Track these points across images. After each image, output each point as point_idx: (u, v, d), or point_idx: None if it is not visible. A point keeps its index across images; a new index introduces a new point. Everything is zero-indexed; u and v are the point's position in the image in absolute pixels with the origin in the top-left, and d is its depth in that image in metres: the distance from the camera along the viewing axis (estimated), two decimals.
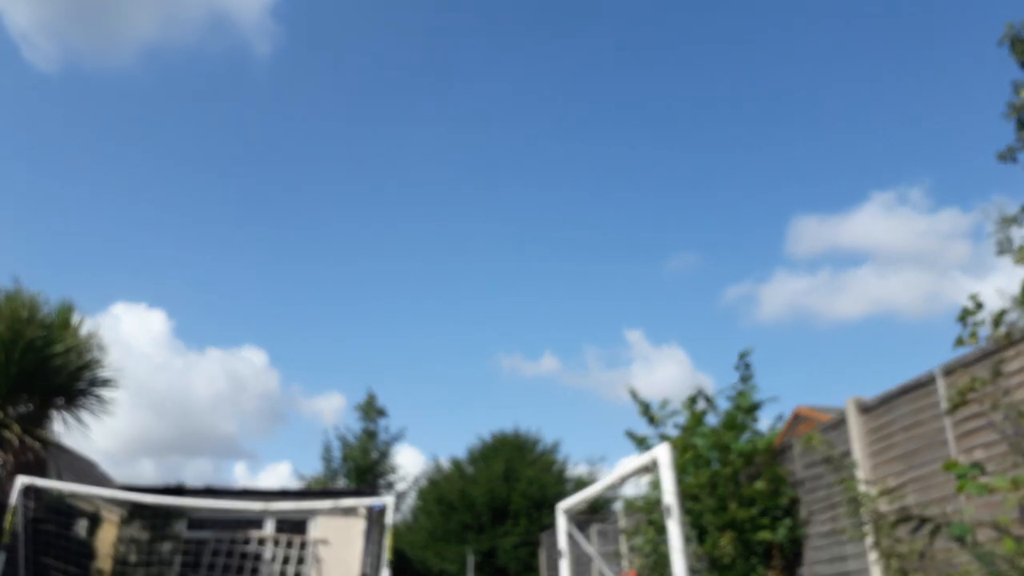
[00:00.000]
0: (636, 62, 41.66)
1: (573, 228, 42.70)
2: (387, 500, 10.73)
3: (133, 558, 14.49)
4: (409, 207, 42.95)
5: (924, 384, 8.40)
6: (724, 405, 11.74)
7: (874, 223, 41.36)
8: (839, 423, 9.76)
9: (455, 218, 42.18)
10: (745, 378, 11.68)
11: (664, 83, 41.12)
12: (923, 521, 8.36)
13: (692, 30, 40.39)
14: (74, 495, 12.76)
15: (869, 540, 8.35)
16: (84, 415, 11.95)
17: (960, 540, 6.89)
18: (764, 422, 11.65)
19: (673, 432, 11.63)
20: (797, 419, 15.72)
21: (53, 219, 40.74)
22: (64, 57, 38.78)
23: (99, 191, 41.02)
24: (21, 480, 10.16)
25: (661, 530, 9.13)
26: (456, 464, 27.84)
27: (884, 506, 8.75)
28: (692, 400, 11.82)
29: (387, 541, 10.09)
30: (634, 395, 12.11)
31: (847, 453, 9.45)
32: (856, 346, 42.74)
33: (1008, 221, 6.55)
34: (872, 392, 9.21)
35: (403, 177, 42.35)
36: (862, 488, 8.81)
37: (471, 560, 23.15)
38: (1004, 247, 6.84)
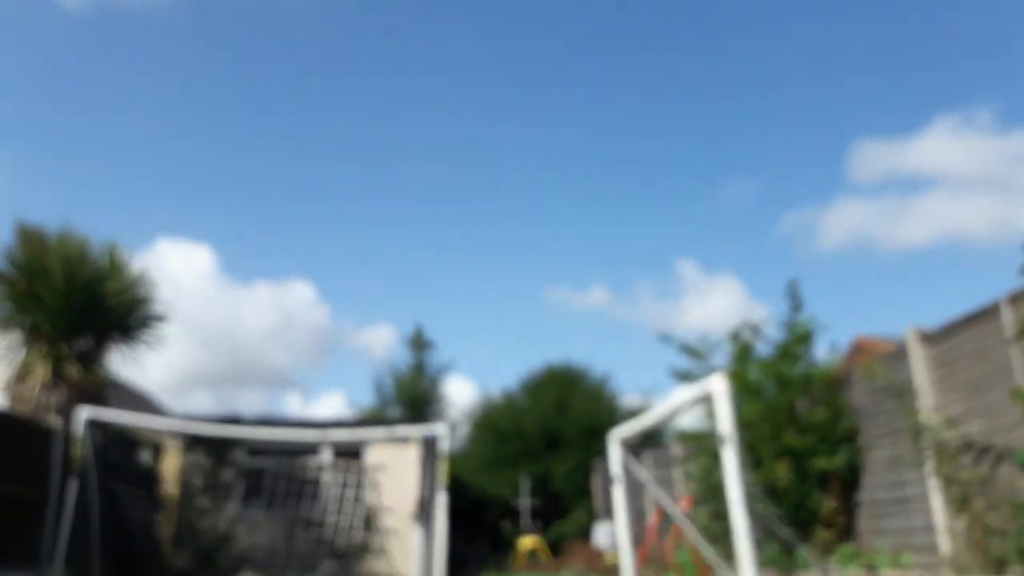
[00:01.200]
0: None
1: (624, 156, 41.84)
2: (440, 429, 10.81)
3: (198, 483, 14.95)
4: (455, 136, 42.38)
5: (989, 312, 8.11)
6: (774, 335, 11.52)
7: (941, 146, 39.65)
8: (901, 352, 9.51)
9: (502, 147, 41.60)
10: (795, 307, 11.42)
11: (720, 6, 39.59)
12: (986, 449, 8.15)
13: None
14: (135, 426, 13.13)
15: (929, 467, 8.19)
16: (139, 349, 12.19)
17: None
18: (820, 351, 11.44)
19: (720, 364, 11.46)
20: (857, 349, 15.41)
21: (90, 158, 41.00)
22: None
23: (134, 128, 40.99)
24: (84, 411, 10.43)
25: (715, 457, 9.05)
26: (507, 395, 28.11)
27: (946, 434, 8.54)
28: (737, 332, 11.61)
29: (442, 467, 10.20)
30: (667, 338, 11.91)
31: (909, 382, 9.23)
32: (921, 274, 41.46)
33: None
34: (937, 321, 8.93)
35: (450, 104, 41.63)
36: (924, 417, 8.61)
37: (526, 484, 23.49)
38: None
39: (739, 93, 39.81)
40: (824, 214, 43.67)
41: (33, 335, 11.17)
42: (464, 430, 29.42)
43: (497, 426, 26.43)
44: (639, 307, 43.31)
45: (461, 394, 56.33)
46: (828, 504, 10.30)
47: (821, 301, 21.28)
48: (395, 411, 28.04)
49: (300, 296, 46.08)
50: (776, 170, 41.16)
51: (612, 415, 25.01)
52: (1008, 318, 7.82)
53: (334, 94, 41.94)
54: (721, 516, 9.25)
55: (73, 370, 11.08)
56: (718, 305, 42.41)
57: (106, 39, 40.35)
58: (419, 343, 29.75)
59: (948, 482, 7.85)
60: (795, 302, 11.41)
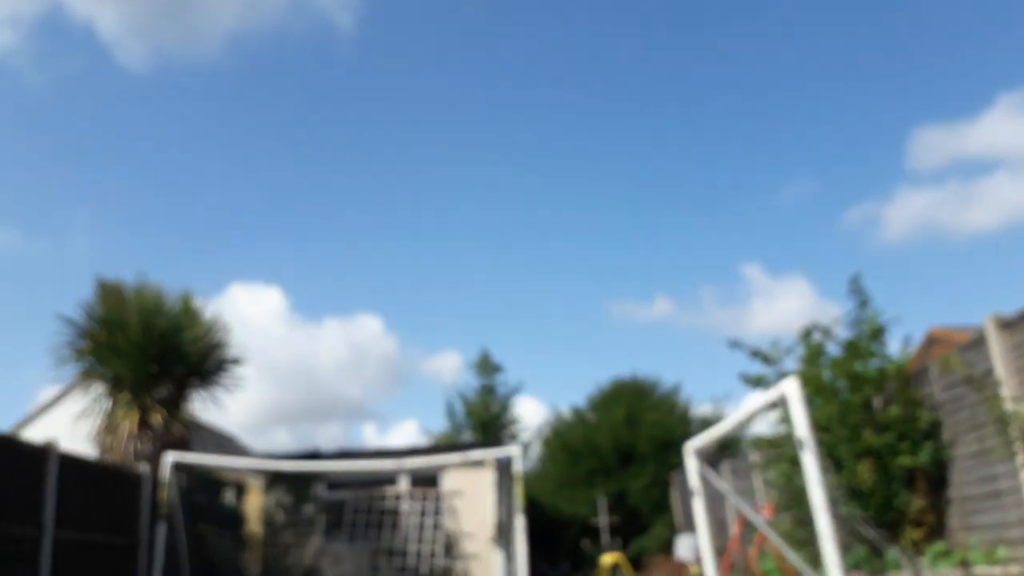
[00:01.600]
0: None
1: (679, 163, 41.50)
2: (514, 451, 10.86)
3: (280, 519, 15.25)
4: (510, 156, 42.63)
5: None
6: (844, 334, 11.29)
7: (1003, 127, 38.46)
8: (978, 342, 9.25)
9: (556, 163, 41.60)
10: (862, 304, 11.18)
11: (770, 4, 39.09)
12: None
13: None
14: (218, 467, 13.46)
15: (1021, 458, 7.95)
16: (218, 392, 12.57)
17: None
18: (893, 346, 11.17)
19: (791, 367, 11.26)
20: (932, 341, 15.02)
21: (163, 211, 42.51)
22: (154, 55, 40.04)
23: (203, 180, 42.38)
24: (170, 456, 10.76)
25: (794, 463, 8.94)
26: (577, 412, 28.00)
27: None
28: (807, 333, 11.41)
29: (518, 489, 10.23)
30: (736, 344, 11.72)
31: (989, 372, 8.97)
32: (994, 260, 40.17)
33: None
34: (1014, 307, 8.67)
35: (505, 125, 41.86)
36: (1009, 406, 8.36)
37: (603, 503, 23.35)
38: None
39: (793, 89, 39.29)
40: (887, 206, 42.79)
41: (116, 385, 11.59)
42: (536, 450, 29.40)
43: (569, 445, 26.36)
44: (706, 315, 42.86)
45: (532, 414, 56.30)
46: (916, 503, 10.04)
47: (892, 295, 20.91)
48: (467, 435, 28.18)
49: (368, 329, 46.86)
50: (836, 165, 40.50)
51: (685, 426, 24.74)
52: None
53: (389, 131, 42.71)
54: (804, 522, 9.09)
55: (157, 417, 11.46)
56: (787, 306, 41.76)
57: (167, 97, 41.83)
58: (487, 367, 29.90)
59: None
60: (861, 298, 11.19)
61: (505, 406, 29.35)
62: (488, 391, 29.47)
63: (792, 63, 39.45)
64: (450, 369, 48.67)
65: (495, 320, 45.53)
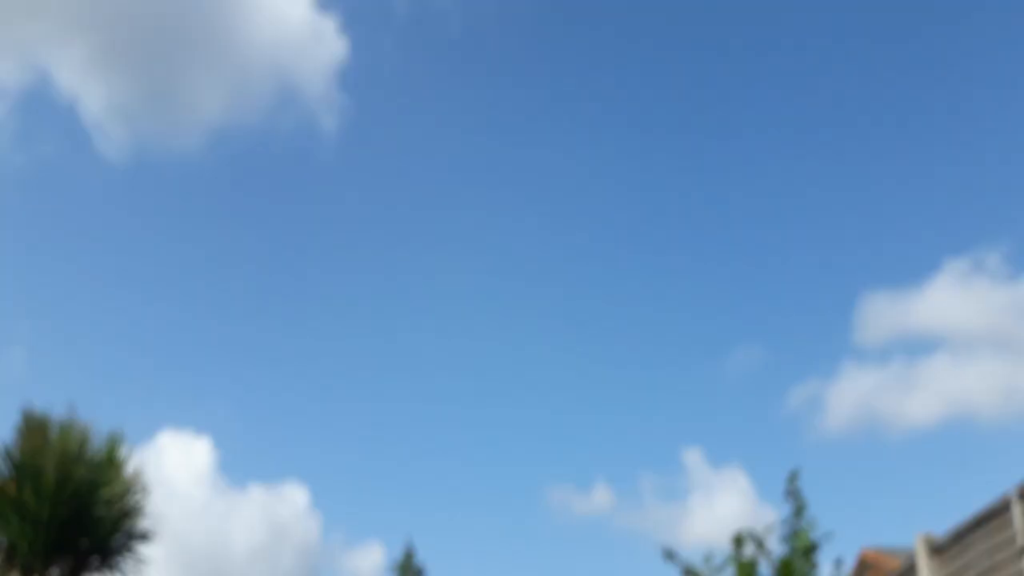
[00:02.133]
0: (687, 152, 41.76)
1: (624, 332, 41.64)
2: None
3: None
4: (451, 339, 42.51)
5: (998, 513, 8.00)
6: (777, 548, 11.14)
7: (949, 298, 39.13)
8: (910, 569, 9.25)
9: (496, 342, 41.51)
10: (798, 510, 11.14)
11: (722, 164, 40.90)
12: None
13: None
14: None
15: None
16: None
17: None
18: (825, 568, 11.03)
19: None
20: (864, 566, 14.91)
21: (105, 335, 41.24)
22: (134, 143, 40.10)
23: (155, 305, 41.25)
24: None
25: None
26: None
27: None
28: (739, 542, 11.22)
29: None
30: (670, 556, 11.49)
31: None
32: (930, 459, 40.12)
33: None
34: (949, 521, 8.76)
35: (446, 300, 42.20)
36: None
37: None
38: None
39: (741, 255, 40.51)
40: (831, 385, 42.91)
41: (9, 557, 10.82)
42: None
43: None
44: (645, 512, 41.61)
45: None
46: None
47: (826, 495, 20.65)
48: None
49: (293, 502, 44.35)
50: (783, 334, 40.89)
51: None
52: (1019, 517, 7.72)
53: (340, 289, 42.62)
54: None
55: None
56: (726, 505, 40.74)
57: (141, 187, 40.62)
58: (408, 569, 28.47)
59: None
60: (797, 502, 11.17)
61: None
62: None
63: (741, 226, 40.84)
64: (370, 566, 46.08)
65: (425, 507, 43.64)
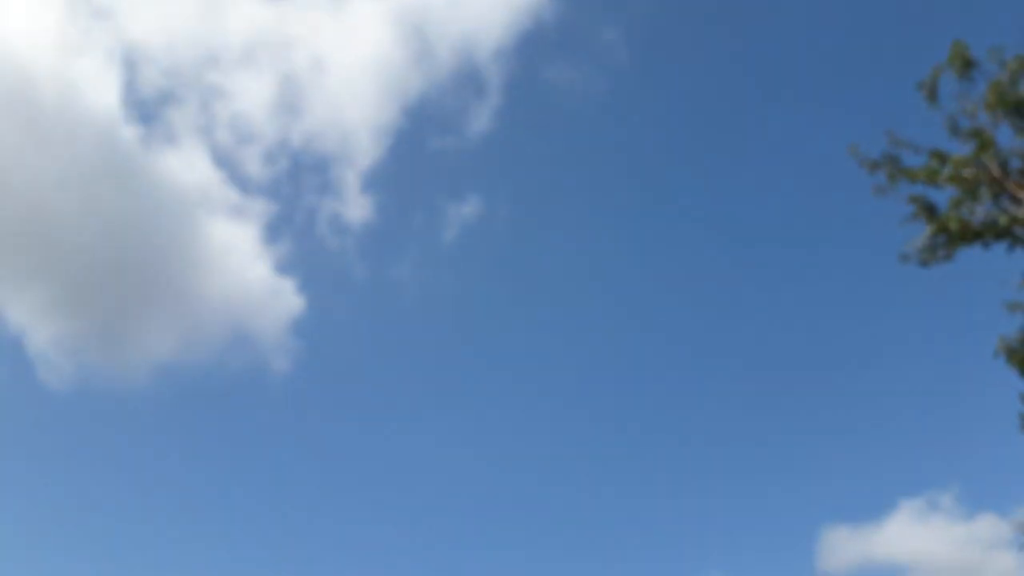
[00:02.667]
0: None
1: (580, 559, 40.99)
2: None
3: None
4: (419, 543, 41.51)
5: None
6: None
7: (909, 532, 39.40)
8: None
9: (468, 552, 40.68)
10: None
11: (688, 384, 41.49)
12: None
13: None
14: None
15: None
16: None
17: None
18: None
19: None
20: None
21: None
22: (79, 375, 39.73)
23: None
24: None
25: None
26: None
27: None
28: None
29: None
30: None
31: None
32: None
33: None
34: None
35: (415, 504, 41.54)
36: None
37: None
38: None
39: (709, 487, 40.35)
40: None
41: None
42: None
43: None
44: None
45: None
46: None
47: None
48: None
49: None
50: (747, 562, 40.25)
51: None
52: None
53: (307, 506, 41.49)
54: None
55: None
56: None
57: (83, 417, 40.30)
58: None
59: None
60: None
61: None
62: None
63: (708, 455, 40.85)
64: None
65: None
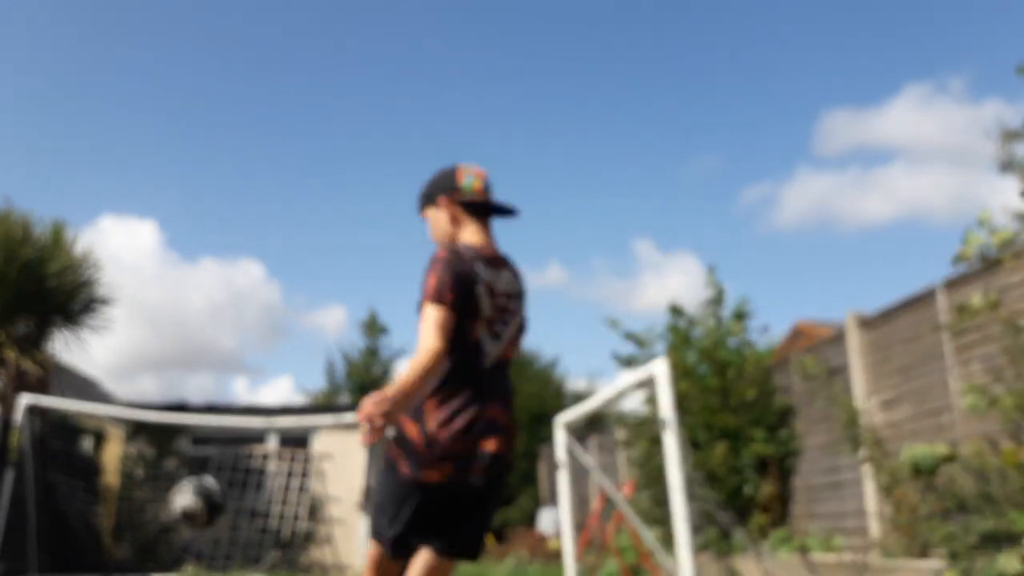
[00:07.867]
0: None
1: (583, 133, 41.34)
2: None
3: (140, 473, 14.77)
4: (409, 107, 41.30)
5: (925, 298, 8.39)
6: (710, 322, 11.70)
7: (909, 116, 39.50)
8: (838, 338, 9.80)
9: (455, 124, 40.80)
10: (716, 300, 11.65)
11: None
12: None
13: None
14: (77, 413, 12.92)
15: (862, 452, 8.47)
16: (84, 333, 11.95)
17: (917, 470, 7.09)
18: (758, 335, 11.67)
19: (661, 351, 11.62)
20: (797, 334, 15.80)
21: (34, 127, 39.13)
22: None
23: (79, 100, 38.80)
24: (25, 399, 10.26)
25: (655, 442, 9.25)
26: None
27: (879, 418, 8.85)
28: (675, 311, 11.75)
29: None
30: (614, 324, 11.96)
31: (845, 367, 9.52)
32: (881, 252, 41.68)
33: (1010, 136, 6.32)
34: (882, 305, 9.17)
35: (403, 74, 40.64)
36: (857, 401, 8.90)
37: None
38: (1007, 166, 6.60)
39: (706, 67, 39.82)
40: (786, 187, 43.73)
41: None
42: None
43: None
44: (598, 285, 43.15)
45: None
46: (766, 489, 10.58)
47: (773, 282, 21.38)
48: (346, 397, 27.85)
49: (249, 273, 44.96)
50: (741, 144, 41.08)
51: (559, 400, 25.24)
52: (943, 304, 8.11)
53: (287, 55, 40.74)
54: (661, 501, 9.46)
55: (12, 356, 10.87)
56: (676, 281, 42.34)
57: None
58: (373, 327, 29.47)
59: (877, 467, 8.13)
60: (716, 294, 11.67)
61: (387, 370, 29.11)
62: (371, 353, 29.10)
63: (707, 37, 39.98)
64: (334, 324, 47.33)
65: (383, 278, 44.62)
